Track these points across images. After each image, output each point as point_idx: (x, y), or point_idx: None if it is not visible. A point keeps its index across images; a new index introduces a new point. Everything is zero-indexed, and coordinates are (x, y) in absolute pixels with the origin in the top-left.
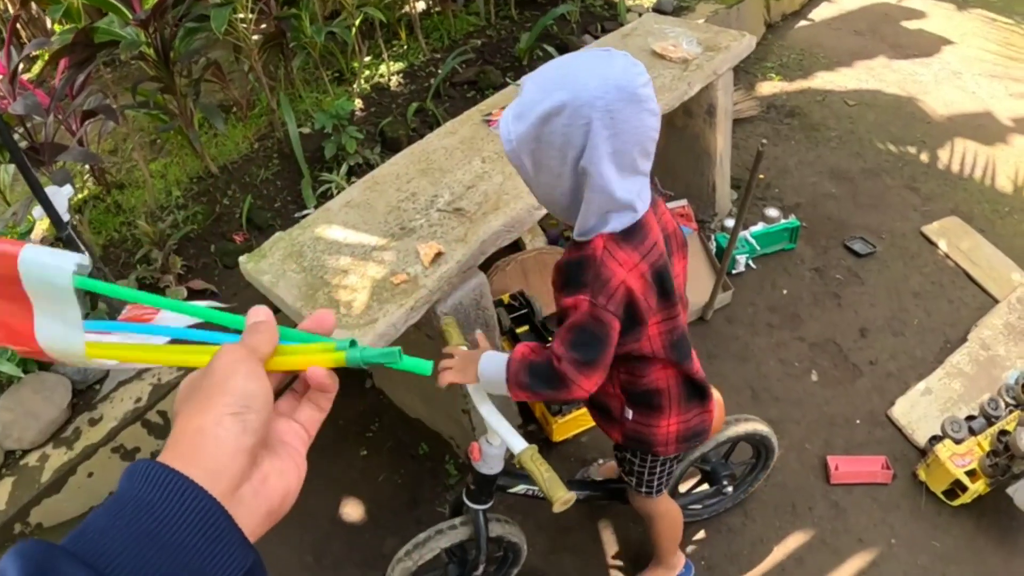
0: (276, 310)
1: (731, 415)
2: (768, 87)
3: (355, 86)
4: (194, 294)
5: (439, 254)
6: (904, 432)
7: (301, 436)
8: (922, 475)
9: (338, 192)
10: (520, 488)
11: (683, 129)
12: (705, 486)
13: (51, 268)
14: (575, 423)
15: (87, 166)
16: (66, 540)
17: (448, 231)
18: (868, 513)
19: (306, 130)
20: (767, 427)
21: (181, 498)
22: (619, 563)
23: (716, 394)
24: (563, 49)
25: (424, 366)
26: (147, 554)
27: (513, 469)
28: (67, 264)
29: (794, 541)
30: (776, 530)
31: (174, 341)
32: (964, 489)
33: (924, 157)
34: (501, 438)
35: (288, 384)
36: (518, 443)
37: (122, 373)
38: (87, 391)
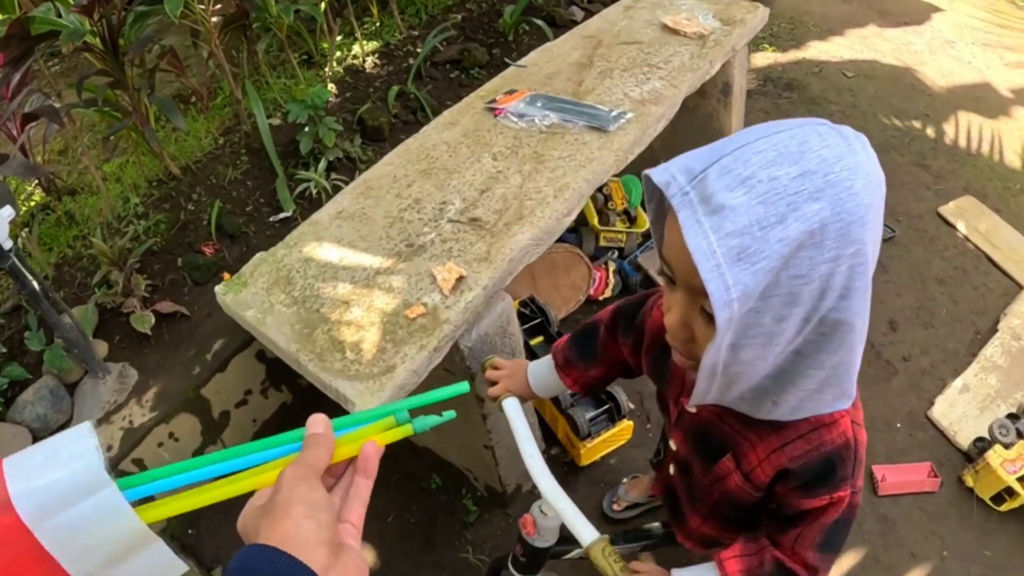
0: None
1: None
2: (762, 58)
3: (327, 69)
4: (163, 318)
5: (461, 278)
6: (946, 434)
7: (352, 533)
8: (969, 481)
9: (317, 191)
10: (576, 554)
11: (694, 109)
12: None
13: (65, 474)
14: (603, 445)
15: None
16: None
17: (466, 248)
18: (917, 524)
19: (276, 121)
20: None
21: (288, 569)
22: None
23: None
24: (551, 22)
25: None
26: None
27: (568, 534)
28: (86, 446)
29: (847, 561)
30: None
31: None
32: (1012, 494)
33: (930, 132)
34: (569, 526)
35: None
36: (588, 533)
37: (87, 416)
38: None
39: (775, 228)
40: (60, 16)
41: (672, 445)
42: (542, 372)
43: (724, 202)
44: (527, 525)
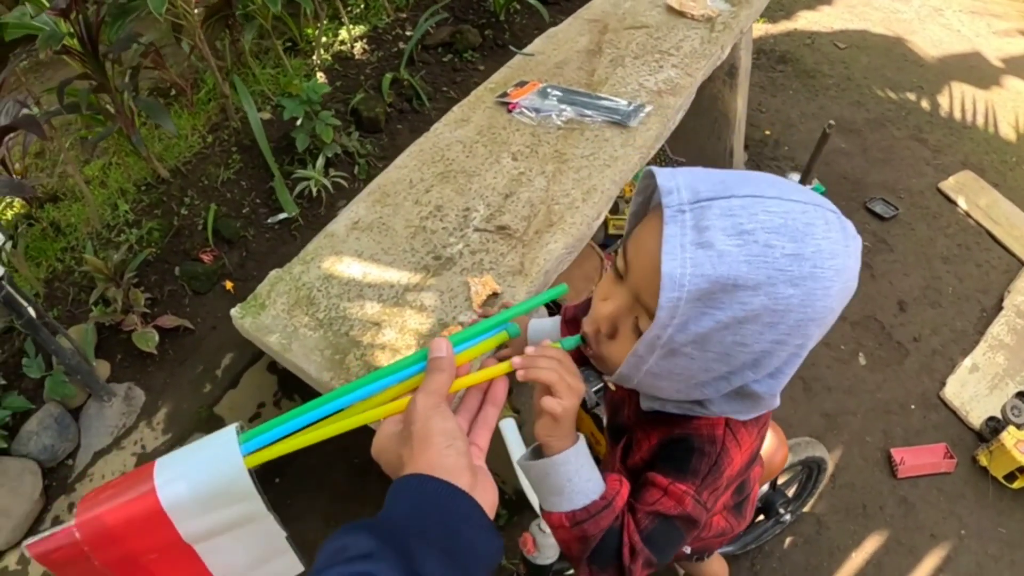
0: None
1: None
2: (753, 30)
3: (315, 58)
4: (165, 333)
5: (495, 294)
6: (958, 414)
7: (479, 455)
8: (984, 461)
9: (317, 190)
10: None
11: (699, 90)
12: (761, 518)
13: (217, 471)
14: None
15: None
16: (381, 521)
17: (497, 259)
18: (936, 506)
19: (266, 115)
20: (822, 449)
21: (448, 493)
22: None
23: (779, 436)
24: (544, 1)
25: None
26: (441, 532)
27: None
28: (230, 449)
29: (870, 545)
30: (851, 535)
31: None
32: None
33: (925, 104)
34: None
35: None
36: None
37: (96, 442)
38: (59, 468)
39: (745, 291)
40: (37, 19)
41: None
42: (544, 328)
43: (715, 242)
44: (527, 543)
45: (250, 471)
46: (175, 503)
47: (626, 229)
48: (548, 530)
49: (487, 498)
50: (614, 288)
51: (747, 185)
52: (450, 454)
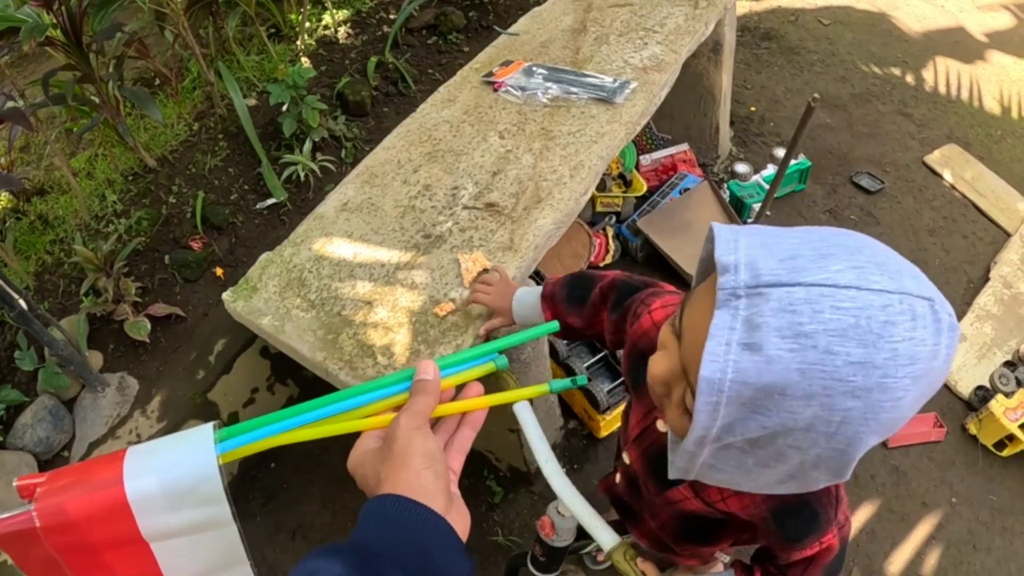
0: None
1: None
2: (737, 8)
3: (299, 43)
4: (157, 321)
5: (484, 271)
6: (947, 383)
7: (453, 480)
8: (973, 429)
9: (305, 174)
10: (592, 547)
11: (684, 67)
12: None
13: (189, 469)
14: (619, 418)
15: None
16: (353, 543)
17: (487, 236)
18: (927, 474)
19: (251, 101)
20: None
21: (422, 516)
22: None
23: None
24: None
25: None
26: (413, 555)
27: (584, 532)
28: (205, 448)
29: (863, 513)
30: None
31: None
32: (1013, 440)
33: (910, 79)
34: (588, 530)
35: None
36: (608, 538)
37: (91, 433)
38: (55, 460)
39: (796, 400)
40: (19, 10)
41: (625, 459)
42: (528, 300)
43: (765, 345)
44: (545, 527)
45: (222, 475)
46: (141, 497)
47: (695, 273)
48: (566, 513)
49: (460, 522)
50: (670, 342)
51: (822, 267)
52: (428, 476)
